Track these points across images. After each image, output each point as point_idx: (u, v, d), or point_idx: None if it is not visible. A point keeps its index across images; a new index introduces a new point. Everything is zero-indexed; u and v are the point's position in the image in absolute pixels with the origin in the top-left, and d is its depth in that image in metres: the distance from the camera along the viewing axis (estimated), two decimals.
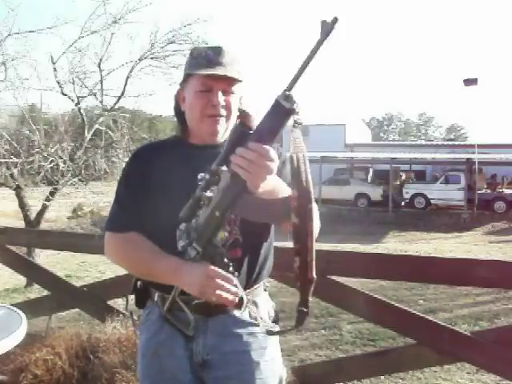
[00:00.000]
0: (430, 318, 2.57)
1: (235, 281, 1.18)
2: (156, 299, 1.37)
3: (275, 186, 1.16)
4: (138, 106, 8.54)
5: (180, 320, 1.31)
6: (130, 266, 1.38)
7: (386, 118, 79.55)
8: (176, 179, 1.32)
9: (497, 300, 6.10)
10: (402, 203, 20.16)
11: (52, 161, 7.36)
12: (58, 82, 7.59)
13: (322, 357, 4.01)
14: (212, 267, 1.19)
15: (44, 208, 7.38)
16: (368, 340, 4.45)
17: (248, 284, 1.36)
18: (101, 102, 7.90)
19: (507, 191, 19.86)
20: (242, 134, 1.10)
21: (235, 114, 1.36)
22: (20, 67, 7.72)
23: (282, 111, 1.05)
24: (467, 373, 3.61)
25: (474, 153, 19.02)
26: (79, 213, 15.98)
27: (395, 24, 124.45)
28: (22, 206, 7.35)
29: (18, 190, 7.29)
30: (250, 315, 1.36)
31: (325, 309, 5.05)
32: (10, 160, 7.25)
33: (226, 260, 1.21)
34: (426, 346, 2.38)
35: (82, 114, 7.76)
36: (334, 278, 2.46)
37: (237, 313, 1.34)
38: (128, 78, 7.77)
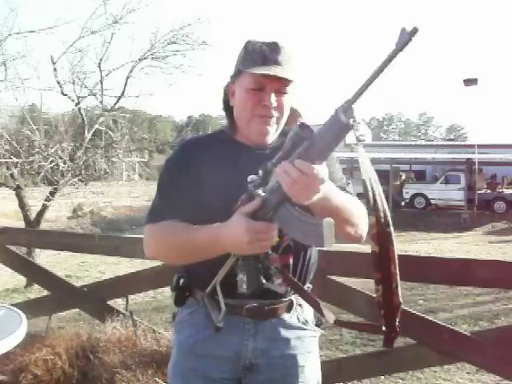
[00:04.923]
0: (430, 318, 2.57)
1: (274, 226, 1.13)
2: (202, 299, 1.31)
3: (332, 202, 1.13)
4: (137, 106, 8.53)
5: (215, 309, 1.27)
6: (172, 253, 1.28)
7: (386, 118, 79.61)
8: (222, 179, 1.27)
9: (497, 300, 6.09)
10: (402, 203, 20.14)
11: (52, 161, 7.35)
12: (58, 82, 7.58)
13: (322, 357, 3.99)
14: (249, 220, 1.12)
15: (44, 208, 7.37)
16: (368, 340, 4.45)
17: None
18: (101, 102, 7.90)
19: (507, 191, 19.86)
20: (299, 139, 1.03)
21: (286, 114, 1.31)
22: (20, 67, 7.72)
23: (338, 125, 0.96)
24: (467, 373, 3.61)
25: (473, 153, 19.00)
26: (79, 213, 15.97)
27: (395, 24, 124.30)
28: (22, 206, 7.35)
29: (18, 190, 7.29)
30: (298, 319, 1.35)
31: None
32: (10, 160, 7.24)
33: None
34: (426, 345, 2.38)
35: (82, 114, 7.75)
36: (333, 277, 2.46)
37: (286, 317, 1.32)
38: (128, 78, 7.77)
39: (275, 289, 1.29)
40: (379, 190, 0.95)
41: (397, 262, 0.96)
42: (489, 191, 19.89)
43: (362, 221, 1.23)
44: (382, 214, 0.95)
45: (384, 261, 0.95)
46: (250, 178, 1.25)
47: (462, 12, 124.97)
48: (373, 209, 0.95)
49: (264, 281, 1.22)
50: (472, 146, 20.32)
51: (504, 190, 20.25)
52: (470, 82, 20.91)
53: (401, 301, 1.00)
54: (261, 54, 1.24)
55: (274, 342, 1.31)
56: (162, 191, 1.34)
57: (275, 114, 1.27)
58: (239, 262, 1.25)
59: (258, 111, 1.26)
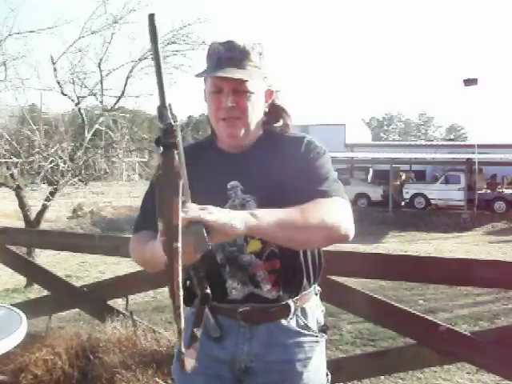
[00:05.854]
0: (430, 317, 2.57)
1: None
2: None
3: (271, 226, 1.03)
4: (137, 106, 8.53)
5: (209, 321, 1.29)
6: (142, 262, 1.29)
7: (386, 118, 79.63)
8: (203, 187, 1.23)
9: (497, 300, 6.10)
10: (402, 203, 20.15)
11: (52, 161, 7.35)
12: (58, 82, 7.58)
13: None
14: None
15: (44, 208, 7.37)
16: (368, 340, 4.45)
17: (295, 292, 1.31)
18: (101, 102, 7.89)
19: (507, 191, 19.86)
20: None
21: (256, 112, 1.27)
22: (20, 67, 7.70)
23: (161, 133, 0.90)
24: (467, 373, 3.61)
25: (473, 153, 19.00)
26: (79, 213, 15.96)
27: (395, 24, 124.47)
28: (22, 206, 7.35)
29: (18, 190, 7.29)
30: (298, 324, 1.31)
31: (325, 309, 5.05)
32: (10, 160, 7.25)
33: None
34: (426, 345, 2.38)
35: (81, 114, 7.75)
36: (333, 277, 2.45)
37: (284, 321, 1.30)
38: (128, 78, 7.76)
39: (264, 294, 1.29)
40: (174, 197, 0.88)
41: (179, 283, 0.89)
42: (489, 191, 19.88)
43: (332, 221, 1.13)
44: (168, 224, 0.88)
45: (169, 275, 0.89)
46: (230, 184, 1.27)
47: (463, 12, 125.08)
48: (159, 214, 0.89)
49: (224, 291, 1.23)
50: (472, 146, 20.33)
51: (504, 189, 20.25)
52: (469, 81, 20.90)
53: (181, 327, 0.92)
54: (216, 56, 1.24)
55: (270, 347, 1.29)
56: (142, 203, 1.38)
57: (236, 114, 1.24)
58: (226, 269, 1.27)
59: (219, 114, 1.26)
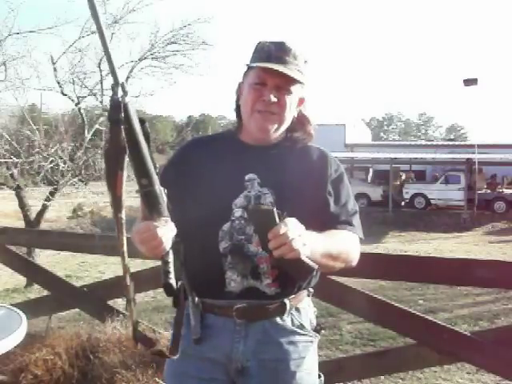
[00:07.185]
0: (430, 318, 2.57)
1: (153, 225, 1.08)
2: (196, 302, 1.32)
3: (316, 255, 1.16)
4: (138, 106, 8.54)
5: (191, 322, 1.29)
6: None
7: (386, 118, 79.61)
8: (220, 176, 1.29)
9: (497, 300, 6.10)
10: (402, 203, 20.14)
11: (52, 161, 7.36)
12: (58, 82, 7.60)
13: (322, 357, 4.00)
14: (139, 223, 1.17)
15: (44, 208, 7.38)
16: (368, 340, 4.45)
17: (292, 290, 1.32)
18: (101, 102, 7.91)
19: (507, 191, 19.85)
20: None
21: (290, 114, 1.31)
22: (20, 67, 7.72)
23: (112, 105, 0.96)
24: (467, 373, 3.61)
25: (473, 153, 18.99)
26: (79, 213, 15.98)
27: (395, 24, 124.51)
28: (22, 206, 7.36)
29: (17, 190, 7.30)
30: (293, 323, 1.32)
31: (325, 309, 5.04)
32: (10, 160, 7.25)
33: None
34: (426, 345, 2.38)
35: (81, 114, 7.77)
36: (333, 277, 2.45)
37: (279, 320, 1.30)
38: (128, 78, 7.77)
39: (263, 289, 1.28)
40: (116, 169, 0.97)
41: (125, 253, 1.06)
42: (489, 191, 19.86)
43: (352, 256, 1.33)
44: (112, 197, 0.99)
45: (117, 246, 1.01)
46: (248, 176, 1.29)
47: (463, 12, 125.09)
48: (107, 187, 0.97)
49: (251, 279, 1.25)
50: (472, 146, 20.29)
51: (504, 189, 20.23)
52: (469, 82, 20.88)
53: (131, 297, 1.10)
54: (267, 52, 1.27)
55: (265, 345, 1.29)
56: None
57: (275, 110, 1.28)
58: (228, 260, 1.27)
59: (258, 106, 1.28)
